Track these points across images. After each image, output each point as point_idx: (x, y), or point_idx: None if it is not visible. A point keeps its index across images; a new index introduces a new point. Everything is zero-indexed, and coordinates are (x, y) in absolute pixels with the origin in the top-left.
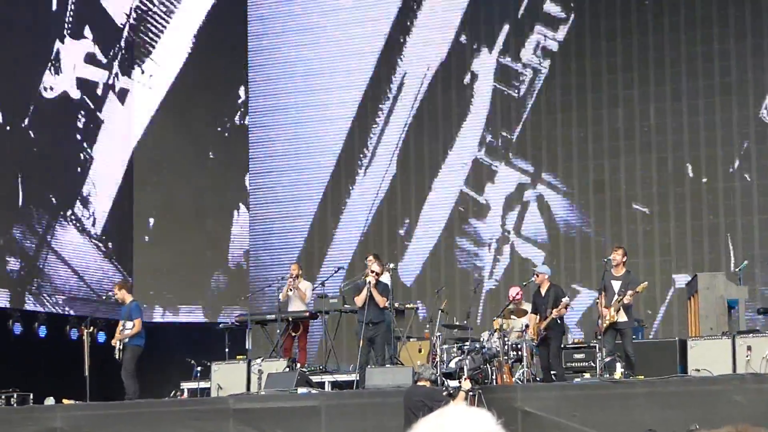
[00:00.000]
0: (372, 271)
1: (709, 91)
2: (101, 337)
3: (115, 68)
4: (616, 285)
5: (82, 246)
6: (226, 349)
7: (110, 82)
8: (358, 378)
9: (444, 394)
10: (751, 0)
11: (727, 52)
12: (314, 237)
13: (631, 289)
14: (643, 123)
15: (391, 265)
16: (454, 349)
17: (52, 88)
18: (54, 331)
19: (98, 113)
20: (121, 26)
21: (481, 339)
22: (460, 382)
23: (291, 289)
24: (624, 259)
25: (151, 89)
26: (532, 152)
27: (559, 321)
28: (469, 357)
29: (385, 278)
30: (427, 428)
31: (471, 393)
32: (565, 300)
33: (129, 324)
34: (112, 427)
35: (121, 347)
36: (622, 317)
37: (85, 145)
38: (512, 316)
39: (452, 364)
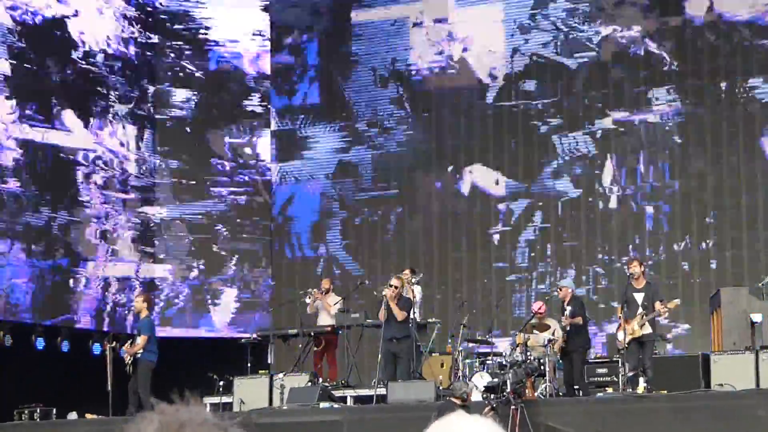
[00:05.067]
0: (390, 285)
1: None
2: (124, 351)
3: None
4: (639, 297)
5: None
6: (248, 364)
7: None
8: (379, 393)
9: (487, 409)
10: None
11: None
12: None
13: (658, 301)
14: None
15: (414, 279)
16: (477, 364)
17: None
18: (77, 346)
19: None
20: None
21: (504, 354)
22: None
23: (316, 300)
24: (643, 269)
25: None
26: None
27: (577, 334)
28: (511, 371)
29: (417, 290)
30: None
31: (513, 407)
32: (568, 309)
33: (139, 339)
34: None
35: (130, 362)
36: (647, 329)
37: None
38: (534, 331)
39: (477, 378)
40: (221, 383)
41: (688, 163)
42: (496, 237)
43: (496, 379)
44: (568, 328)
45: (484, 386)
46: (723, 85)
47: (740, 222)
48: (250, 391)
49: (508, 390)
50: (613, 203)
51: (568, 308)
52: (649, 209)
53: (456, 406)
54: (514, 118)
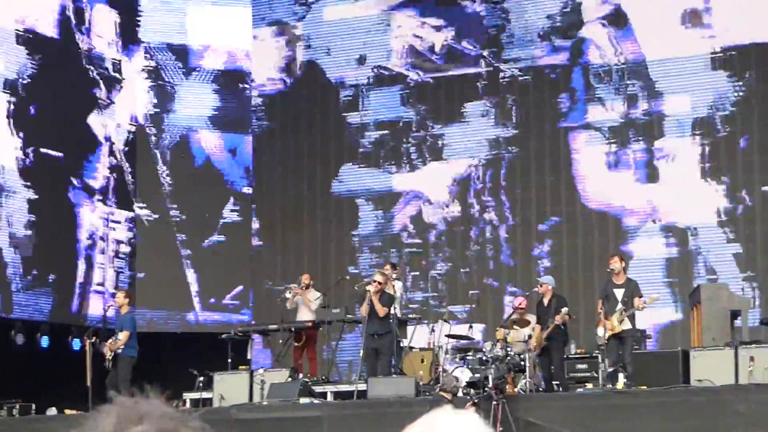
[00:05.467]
0: (374, 281)
1: None
2: (104, 347)
3: None
4: (619, 293)
5: None
6: (229, 359)
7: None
8: (359, 388)
9: (468, 404)
10: None
11: None
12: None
13: (637, 297)
14: None
15: (395, 275)
16: (457, 359)
17: None
18: (56, 342)
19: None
20: None
21: (484, 349)
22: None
23: (296, 296)
24: (623, 266)
25: None
26: None
27: (562, 329)
28: (493, 366)
29: (398, 286)
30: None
31: (495, 402)
32: (564, 309)
33: (121, 335)
34: None
35: (111, 357)
36: (626, 325)
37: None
38: (515, 326)
39: (457, 374)
40: (201, 379)
41: None
42: None
43: (478, 375)
44: (562, 327)
45: (466, 382)
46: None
47: None
48: (230, 387)
49: (490, 385)
50: None
51: (564, 309)
52: None
53: (445, 401)
54: None
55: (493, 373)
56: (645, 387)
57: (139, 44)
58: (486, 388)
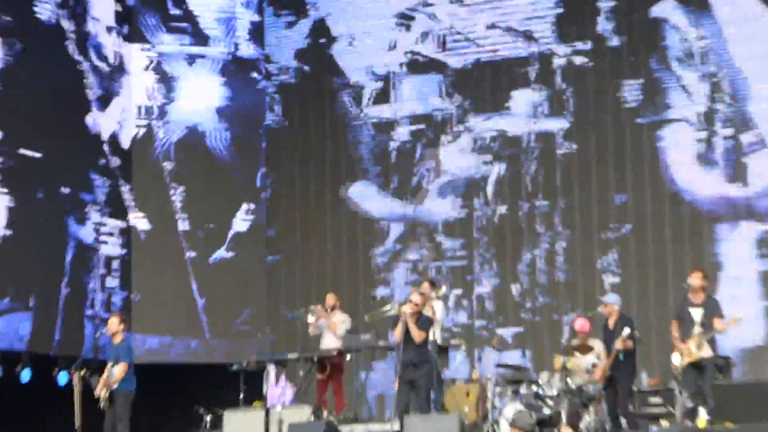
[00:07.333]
0: (410, 301)
1: None
2: (93, 380)
3: None
4: (696, 314)
5: None
6: (241, 395)
7: None
8: (394, 428)
9: None
10: None
11: None
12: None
13: (717, 318)
14: None
15: (441, 292)
16: (509, 393)
17: None
18: (39, 375)
19: None
20: None
21: (540, 381)
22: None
23: (319, 319)
24: (704, 284)
25: None
26: None
27: (621, 357)
28: (566, 400)
29: (438, 307)
30: None
31: None
32: (626, 331)
33: (116, 369)
34: None
35: (106, 396)
36: (706, 351)
37: None
38: (576, 353)
39: (509, 410)
40: (209, 417)
41: None
42: None
43: (548, 411)
44: (621, 356)
45: (537, 420)
46: None
47: None
48: (242, 427)
49: (564, 422)
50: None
51: (626, 329)
52: None
53: None
54: None
55: (566, 408)
56: (731, 424)
57: (137, 30)
58: (557, 427)
